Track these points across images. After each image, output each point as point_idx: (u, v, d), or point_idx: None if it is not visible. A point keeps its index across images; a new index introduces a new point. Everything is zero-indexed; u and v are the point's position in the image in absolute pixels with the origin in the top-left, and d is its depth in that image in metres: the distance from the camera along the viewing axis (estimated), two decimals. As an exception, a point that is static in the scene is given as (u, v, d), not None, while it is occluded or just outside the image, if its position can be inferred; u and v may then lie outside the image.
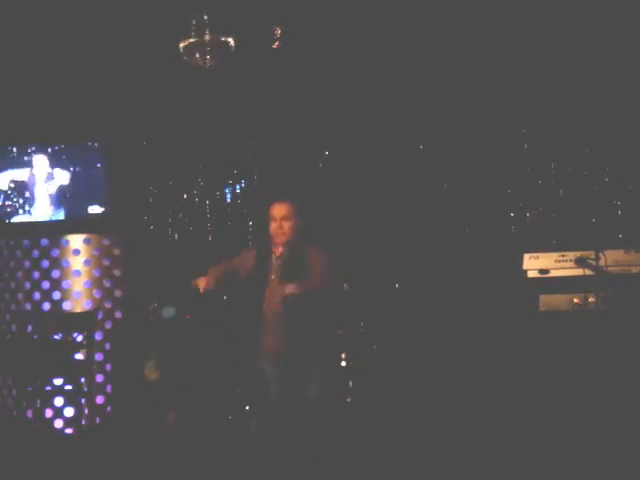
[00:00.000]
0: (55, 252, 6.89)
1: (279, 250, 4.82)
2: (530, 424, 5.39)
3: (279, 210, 4.78)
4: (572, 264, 5.66)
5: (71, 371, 6.44)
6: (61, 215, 7.23)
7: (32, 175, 7.22)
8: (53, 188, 7.23)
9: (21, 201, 7.26)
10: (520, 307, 5.78)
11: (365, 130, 6.97)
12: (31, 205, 7.23)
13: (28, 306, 6.87)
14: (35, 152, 7.21)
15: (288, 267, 4.72)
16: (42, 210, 7.26)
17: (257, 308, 4.77)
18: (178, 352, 6.70)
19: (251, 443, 5.05)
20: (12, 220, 7.28)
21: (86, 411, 6.57)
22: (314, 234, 5.03)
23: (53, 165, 7.23)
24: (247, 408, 6.40)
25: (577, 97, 6.35)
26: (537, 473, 4.98)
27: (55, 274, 6.87)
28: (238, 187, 7.38)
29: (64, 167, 7.22)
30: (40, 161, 7.23)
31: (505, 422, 5.54)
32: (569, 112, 6.39)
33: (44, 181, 7.23)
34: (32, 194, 7.23)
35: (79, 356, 6.53)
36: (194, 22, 5.95)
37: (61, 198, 7.24)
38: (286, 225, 4.75)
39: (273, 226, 4.78)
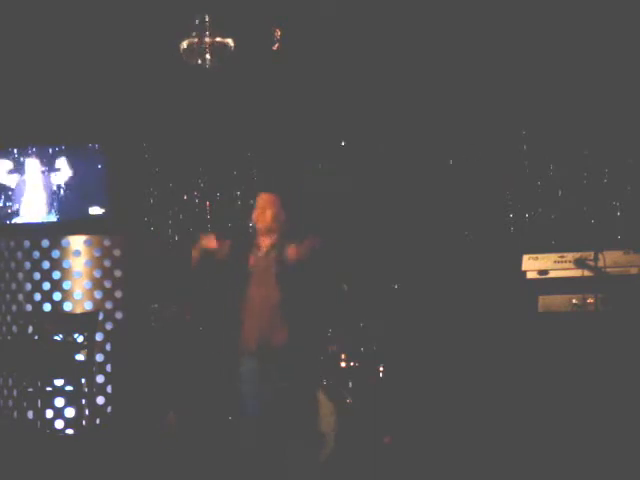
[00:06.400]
0: (56, 253, 6.90)
1: (265, 243, 4.90)
2: (530, 425, 5.41)
3: (262, 199, 4.98)
4: (571, 265, 5.68)
5: (72, 372, 6.45)
6: (61, 216, 7.26)
7: (23, 180, 7.25)
8: (53, 189, 7.25)
9: (21, 202, 7.29)
10: (519, 308, 5.79)
11: (365, 131, 6.98)
12: (31, 207, 7.26)
13: (29, 307, 6.89)
14: (27, 155, 7.24)
15: (285, 265, 4.80)
16: (42, 211, 7.28)
17: (237, 303, 4.85)
18: (178, 352, 6.71)
19: (251, 443, 5.05)
20: (13, 221, 7.30)
21: (87, 412, 6.58)
22: (312, 232, 5.07)
23: (53, 166, 7.24)
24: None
25: (576, 99, 6.36)
26: (537, 474, 5.00)
27: (56, 275, 6.89)
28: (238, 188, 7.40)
29: (65, 168, 7.24)
30: (32, 165, 7.25)
31: (505, 422, 5.55)
32: (568, 114, 6.40)
33: (41, 183, 7.25)
34: (29, 196, 7.26)
35: (80, 357, 6.54)
36: (194, 24, 5.97)
37: (62, 199, 7.26)
38: (267, 213, 4.90)
39: (255, 213, 4.95)
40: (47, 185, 7.27)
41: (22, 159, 7.28)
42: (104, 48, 6.85)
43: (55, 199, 7.25)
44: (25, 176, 7.29)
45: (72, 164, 7.23)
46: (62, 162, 7.25)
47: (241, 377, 4.85)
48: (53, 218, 7.26)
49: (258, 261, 4.88)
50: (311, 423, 4.91)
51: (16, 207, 7.29)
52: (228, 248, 4.97)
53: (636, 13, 6.05)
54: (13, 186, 7.29)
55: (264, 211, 4.90)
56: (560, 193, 6.49)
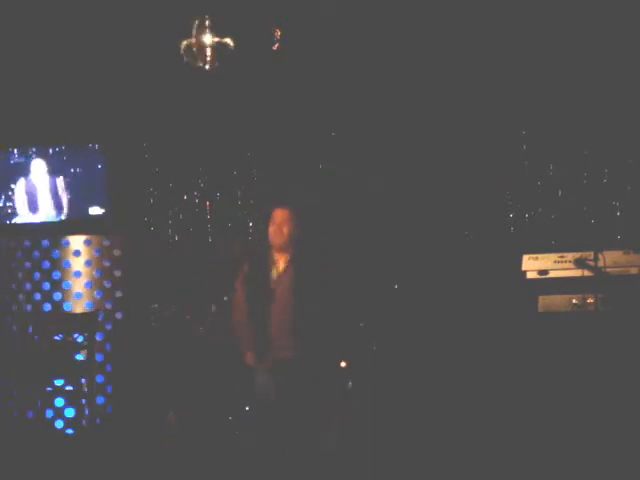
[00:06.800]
0: (56, 253, 6.91)
1: (282, 260, 4.92)
2: (530, 424, 5.41)
3: (278, 215, 4.95)
4: (571, 265, 5.68)
5: (72, 372, 6.47)
6: (62, 216, 7.26)
7: (30, 180, 7.25)
8: (54, 189, 7.25)
9: (22, 202, 7.29)
10: (519, 308, 5.79)
11: (365, 131, 6.98)
12: (32, 206, 7.26)
13: (29, 307, 6.90)
14: (27, 155, 7.25)
15: (302, 282, 4.83)
16: (43, 211, 7.28)
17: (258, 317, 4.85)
18: (178, 352, 6.72)
19: (251, 443, 5.06)
20: (13, 221, 7.31)
21: (87, 412, 6.59)
22: (314, 235, 5.10)
23: (54, 166, 7.24)
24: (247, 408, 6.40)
25: (576, 99, 6.36)
26: (537, 473, 5.00)
27: (56, 275, 6.89)
28: (238, 188, 7.40)
29: (65, 168, 7.24)
30: (38, 165, 7.26)
31: (505, 422, 5.55)
32: (568, 114, 6.40)
33: (44, 183, 7.26)
34: (33, 196, 7.26)
35: (80, 357, 6.55)
36: (195, 24, 5.96)
37: (62, 199, 7.26)
38: (284, 230, 4.89)
39: (271, 229, 4.94)
40: (47, 185, 7.26)
41: (22, 159, 7.28)
42: (104, 48, 6.85)
43: (55, 199, 7.25)
44: (25, 176, 7.29)
45: (72, 164, 7.23)
46: (62, 162, 7.25)
47: (255, 391, 4.89)
48: (55, 218, 7.26)
49: (275, 278, 4.88)
50: (313, 429, 4.91)
51: (16, 207, 7.29)
52: (247, 272, 5.00)
53: (636, 13, 6.06)
54: (13, 186, 7.29)
55: (281, 228, 4.90)
56: (560, 193, 6.49)
